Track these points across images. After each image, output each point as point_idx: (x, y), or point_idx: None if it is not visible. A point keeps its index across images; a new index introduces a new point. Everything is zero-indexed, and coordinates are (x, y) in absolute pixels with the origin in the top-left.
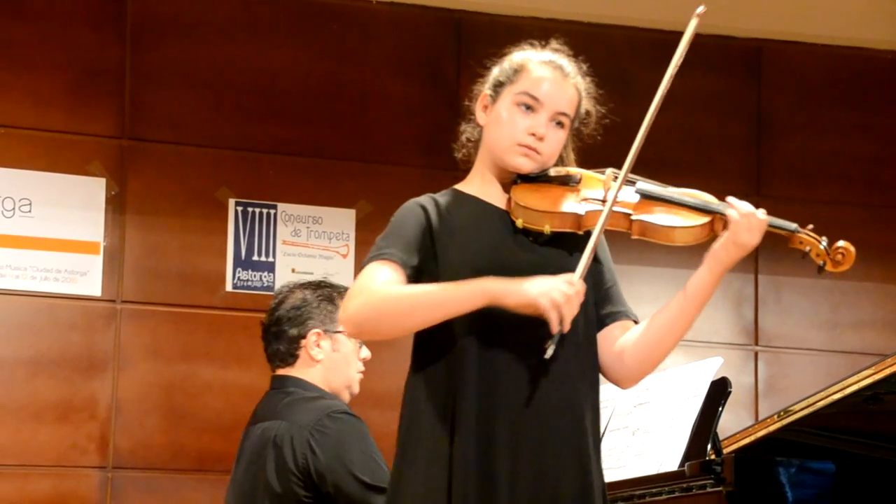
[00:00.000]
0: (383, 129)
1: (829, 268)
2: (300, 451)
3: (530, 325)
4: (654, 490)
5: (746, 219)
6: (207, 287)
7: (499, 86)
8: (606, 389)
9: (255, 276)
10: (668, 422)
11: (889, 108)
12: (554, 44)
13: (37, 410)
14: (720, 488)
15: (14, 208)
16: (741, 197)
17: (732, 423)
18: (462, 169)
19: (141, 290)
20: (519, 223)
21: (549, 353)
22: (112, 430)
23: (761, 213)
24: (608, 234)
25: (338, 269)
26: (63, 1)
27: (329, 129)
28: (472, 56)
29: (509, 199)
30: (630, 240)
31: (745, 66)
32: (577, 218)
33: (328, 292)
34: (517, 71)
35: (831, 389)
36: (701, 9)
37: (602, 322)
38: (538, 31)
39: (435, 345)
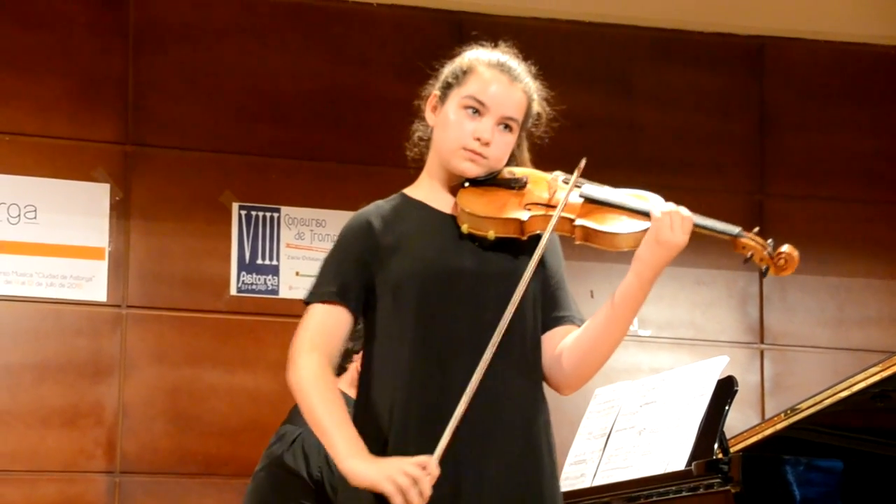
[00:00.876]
0: (385, 132)
1: (772, 272)
2: (316, 463)
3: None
4: (661, 489)
5: (667, 216)
6: (212, 291)
7: (447, 87)
8: (612, 389)
9: (259, 279)
10: (675, 421)
11: (892, 104)
12: (503, 45)
13: (44, 416)
14: (727, 487)
15: (19, 215)
16: (745, 194)
17: (739, 421)
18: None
19: (146, 295)
20: (464, 229)
21: None
22: (119, 435)
23: (684, 211)
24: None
25: None
26: (66, 8)
27: (331, 132)
28: None
29: (455, 204)
30: None
31: (747, 64)
32: (520, 224)
33: None
34: (465, 72)
35: (838, 387)
36: (583, 162)
37: (545, 326)
38: (539, 31)
39: (376, 367)
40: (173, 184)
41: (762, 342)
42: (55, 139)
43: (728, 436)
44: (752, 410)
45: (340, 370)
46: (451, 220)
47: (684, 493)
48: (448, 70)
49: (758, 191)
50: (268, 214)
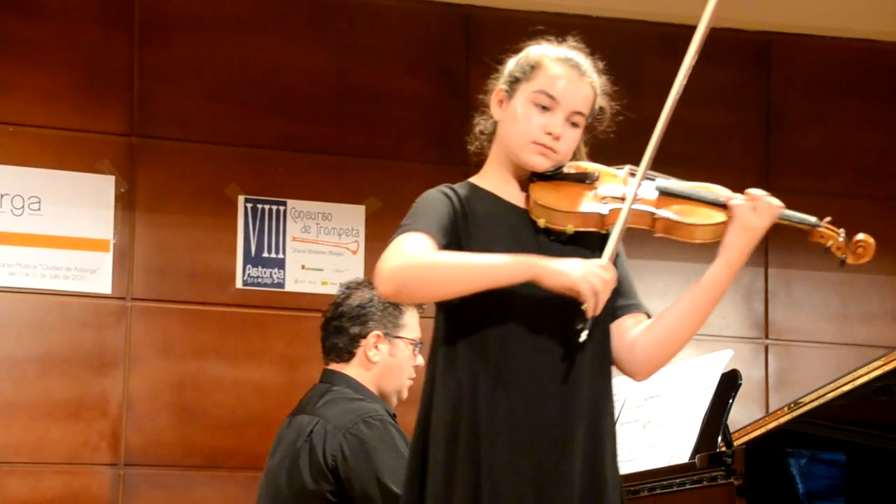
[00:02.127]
0: (393, 125)
1: (850, 261)
2: (331, 452)
3: (552, 319)
4: (664, 482)
5: (752, 201)
6: (217, 284)
7: (515, 81)
8: (617, 382)
9: (265, 272)
10: (679, 414)
11: None
12: (571, 41)
13: (48, 408)
14: (731, 480)
15: (23, 206)
16: None
17: (743, 416)
18: (473, 163)
19: (151, 288)
20: (541, 223)
21: (584, 336)
22: (123, 428)
23: (771, 198)
24: (628, 231)
25: (348, 265)
26: None
27: (338, 126)
28: (481, 51)
29: (527, 198)
30: (639, 233)
31: (754, 59)
32: (601, 217)
33: None
34: (534, 67)
35: (841, 381)
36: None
37: (615, 314)
38: (547, 25)
39: (460, 332)
40: (179, 176)
41: (767, 337)
42: (60, 130)
43: (732, 429)
44: (756, 405)
45: (348, 355)
46: (525, 214)
47: (688, 486)
48: (514, 64)
49: (763, 186)
50: (274, 207)
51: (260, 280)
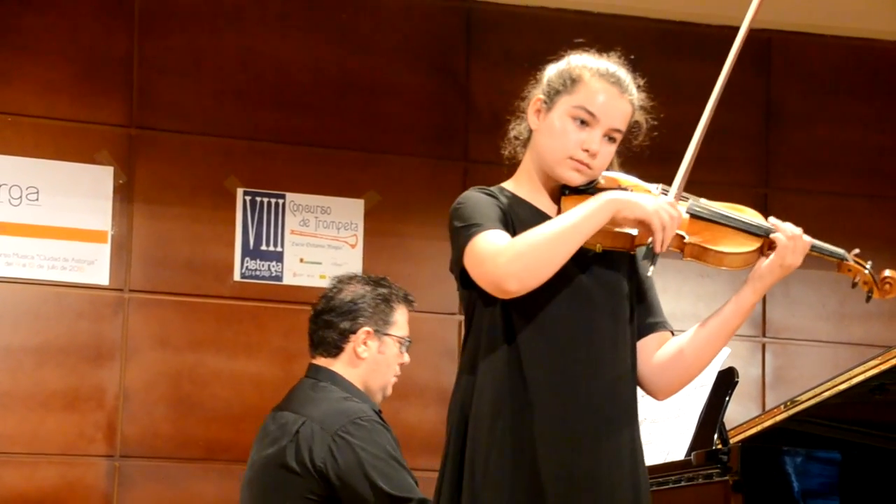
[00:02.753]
0: (392, 119)
1: (876, 296)
2: (320, 454)
3: (578, 327)
4: (660, 479)
5: (793, 241)
6: (216, 276)
7: (555, 93)
8: None
9: (263, 265)
10: (675, 411)
11: None
12: (613, 55)
13: (44, 399)
14: (727, 477)
15: (21, 196)
16: (749, 188)
17: (739, 414)
18: (482, 161)
19: (149, 280)
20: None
21: (651, 270)
22: (119, 419)
23: (806, 237)
24: None
25: (346, 259)
26: None
27: (338, 119)
28: (481, 46)
29: (559, 211)
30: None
31: (754, 57)
32: (631, 238)
33: (386, 293)
34: (574, 81)
35: (838, 380)
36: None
37: (641, 331)
38: (547, 22)
39: (493, 347)
40: (177, 168)
41: (764, 335)
42: (59, 121)
43: (728, 427)
44: (752, 403)
45: (336, 350)
46: None
47: (684, 483)
48: (554, 75)
49: (762, 185)
50: (272, 200)
51: (258, 273)
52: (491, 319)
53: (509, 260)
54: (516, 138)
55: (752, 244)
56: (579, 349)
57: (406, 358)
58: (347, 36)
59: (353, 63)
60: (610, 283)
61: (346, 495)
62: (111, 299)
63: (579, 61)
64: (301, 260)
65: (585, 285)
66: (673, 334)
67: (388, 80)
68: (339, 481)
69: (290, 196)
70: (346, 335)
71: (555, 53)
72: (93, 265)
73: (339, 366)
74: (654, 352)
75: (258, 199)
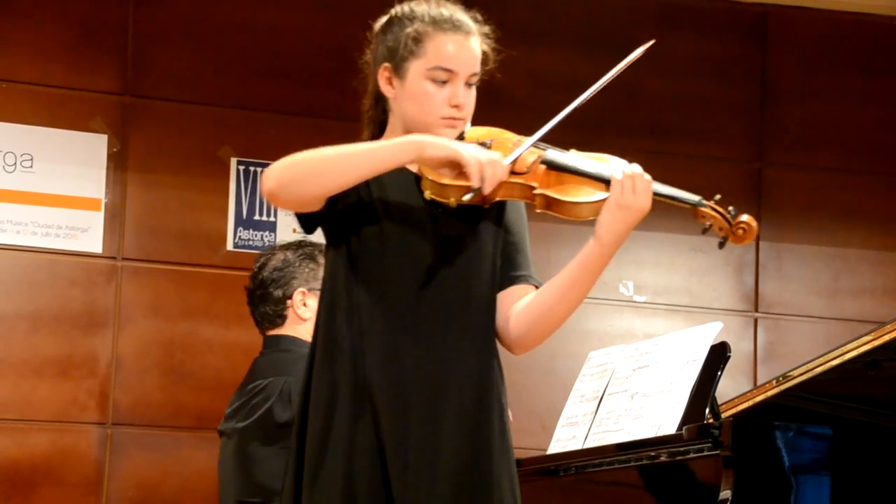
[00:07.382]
0: None
1: (730, 241)
2: (293, 390)
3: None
4: (651, 453)
5: (629, 179)
6: (208, 245)
7: (401, 59)
8: (605, 353)
9: (256, 235)
10: (667, 385)
11: (893, 75)
12: None
13: (37, 366)
14: (717, 452)
15: (15, 163)
16: (744, 163)
17: (731, 389)
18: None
19: (142, 248)
20: (427, 195)
21: (467, 197)
22: (112, 387)
23: (647, 175)
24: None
25: None
26: None
27: (332, 90)
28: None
29: (419, 169)
30: None
31: (750, 32)
32: (463, 188)
33: (309, 251)
34: (418, 41)
35: (830, 355)
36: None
37: (501, 285)
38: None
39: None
40: (171, 137)
41: (756, 310)
42: (53, 88)
43: (720, 401)
44: (744, 378)
45: (280, 319)
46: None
47: (675, 457)
48: (393, 39)
49: (757, 159)
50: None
51: (251, 242)
52: (334, 265)
53: (282, 168)
54: (377, 101)
55: (603, 192)
56: (405, 305)
57: None
58: (343, 6)
59: (350, 33)
60: (461, 238)
61: None
62: (104, 267)
63: (413, 17)
64: (294, 230)
65: (430, 241)
66: (537, 289)
67: None
68: None
69: None
70: (283, 302)
71: (548, 28)
72: (86, 233)
73: (288, 330)
74: (510, 305)
75: (252, 168)
